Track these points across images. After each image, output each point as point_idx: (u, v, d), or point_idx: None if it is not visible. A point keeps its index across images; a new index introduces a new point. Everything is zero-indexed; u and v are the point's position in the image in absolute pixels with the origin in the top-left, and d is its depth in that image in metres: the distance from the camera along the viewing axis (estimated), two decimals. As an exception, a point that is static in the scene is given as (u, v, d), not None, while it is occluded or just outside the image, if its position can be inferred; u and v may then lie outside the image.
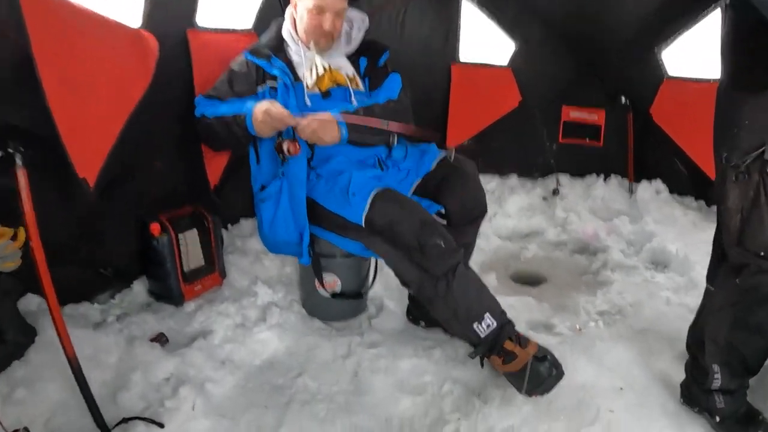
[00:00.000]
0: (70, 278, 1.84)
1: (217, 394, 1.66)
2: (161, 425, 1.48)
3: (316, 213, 1.81)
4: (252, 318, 2.02)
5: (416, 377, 1.77)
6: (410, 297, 2.08)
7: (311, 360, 1.85)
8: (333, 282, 2.03)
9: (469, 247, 1.98)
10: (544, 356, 1.60)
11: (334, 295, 2.03)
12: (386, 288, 2.20)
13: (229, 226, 2.59)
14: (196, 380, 1.68)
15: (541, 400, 1.61)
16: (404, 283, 1.79)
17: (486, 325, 1.64)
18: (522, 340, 1.65)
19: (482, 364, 1.72)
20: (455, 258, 1.68)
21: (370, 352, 1.87)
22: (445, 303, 1.67)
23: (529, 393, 1.60)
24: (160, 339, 1.83)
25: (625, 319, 2.14)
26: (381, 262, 1.85)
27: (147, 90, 1.75)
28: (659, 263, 2.60)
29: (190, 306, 2.07)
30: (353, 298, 2.09)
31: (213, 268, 2.18)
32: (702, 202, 3.19)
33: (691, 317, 1.85)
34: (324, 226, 1.84)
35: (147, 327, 1.90)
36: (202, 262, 2.13)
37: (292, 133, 1.78)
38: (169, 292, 2.05)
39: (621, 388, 1.70)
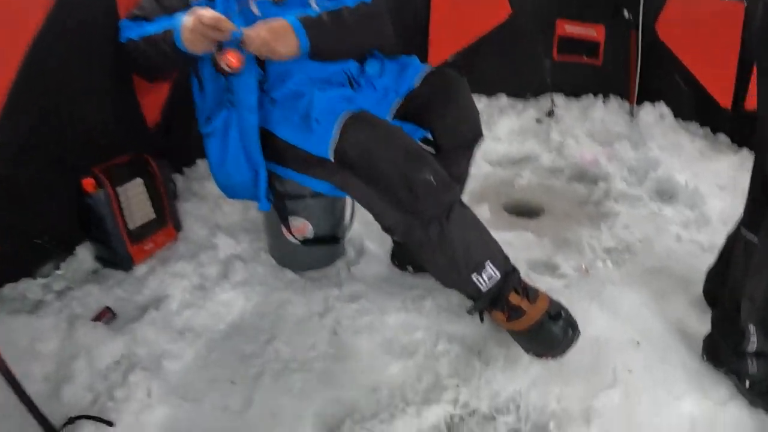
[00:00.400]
0: (2, 255, 1.53)
1: (176, 370, 1.42)
2: (110, 424, 1.23)
3: (273, 147, 1.48)
4: (212, 276, 1.75)
5: (406, 335, 1.54)
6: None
7: (283, 320, 1.61)
8: (302, 226, 1.74)
9: (462, 180, 1.70)
10: (558, 313, 1.37)
11: (305, 242, 1.74)
12: (366, 226, 1.90)
13: (183, 169, 2.26)
14: (150, 359, 1.43)
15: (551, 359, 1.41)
16: (386, 229, 1.50)
17: (488, 276, 1.38)
18: (530, 293, 1.41)
19: (482, 319, 1.49)
20: (450, 195, 1.38)
21: (351, 307, 1.64)
22: (440, 251, 1.39)
23: (540, 355, 1.39)
24: (105, 315, 1.55)
25: (634, 257, 1.92)
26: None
27: (49, 15, 1.34)
28: (665, 193, 2.37)
29: (141, 269, 1.77)
30: (328, 243, 1.82)
31: (165, 221, 1.87)
32: (707, 129, 2.92)
33: (704, 256, 1.67)
34: (284, 164, 1.52)
35: (92, 300, 1.61)
36: (152, 216, 1.82)
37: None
38: (114, 256, 1.75)
39: (638, 342, 1.51)
